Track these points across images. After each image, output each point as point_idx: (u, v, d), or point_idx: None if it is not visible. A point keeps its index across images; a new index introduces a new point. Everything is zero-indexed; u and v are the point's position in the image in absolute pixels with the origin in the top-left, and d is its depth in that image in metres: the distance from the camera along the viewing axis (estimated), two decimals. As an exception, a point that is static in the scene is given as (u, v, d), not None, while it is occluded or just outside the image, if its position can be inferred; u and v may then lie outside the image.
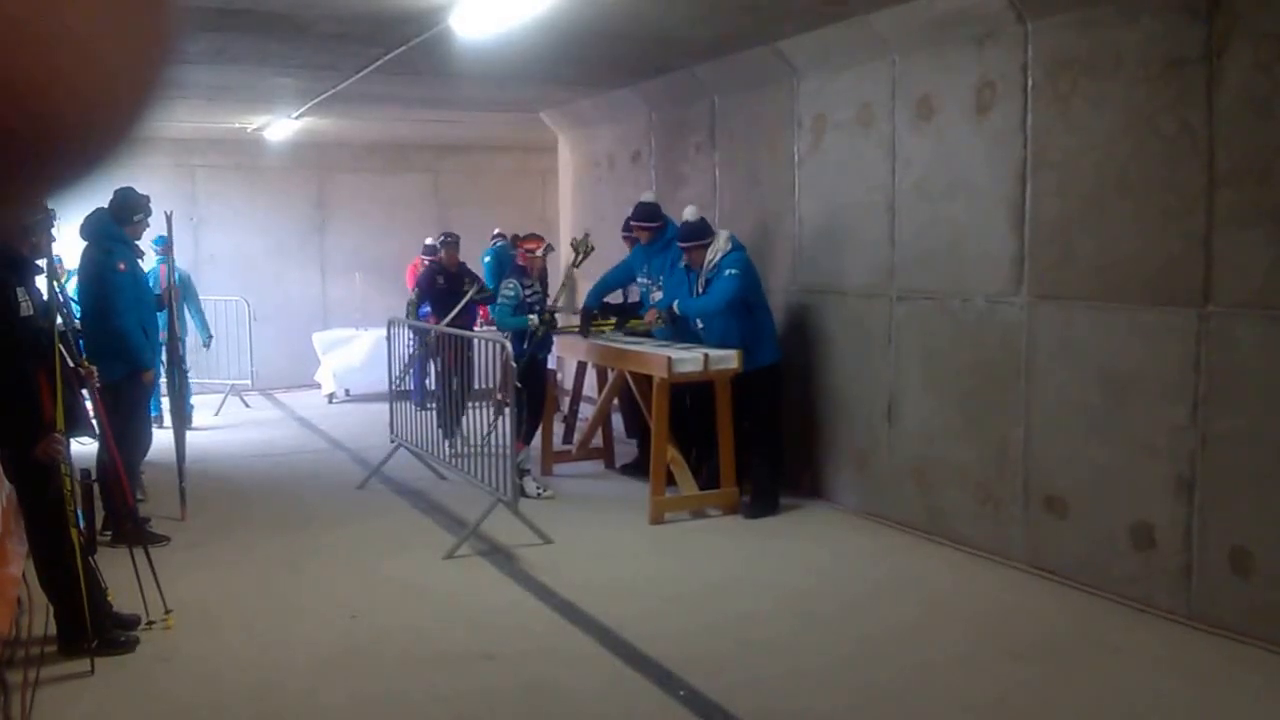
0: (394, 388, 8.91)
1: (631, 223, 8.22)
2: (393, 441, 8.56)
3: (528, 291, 8.01)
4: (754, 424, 7.33)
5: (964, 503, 6.46)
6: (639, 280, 8.38)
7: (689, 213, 7.48)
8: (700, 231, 7.39)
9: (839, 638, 5.17)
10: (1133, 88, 5.27)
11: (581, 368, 9.27)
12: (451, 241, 9.94)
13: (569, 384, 9.95)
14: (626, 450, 9.01)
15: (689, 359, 7.10)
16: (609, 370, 8.67)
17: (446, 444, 8.32)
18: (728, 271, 7.21)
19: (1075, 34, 5.57)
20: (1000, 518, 6.21)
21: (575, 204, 11.74)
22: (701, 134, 9.09)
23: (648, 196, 8.32)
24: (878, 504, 7.17)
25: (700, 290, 7.45)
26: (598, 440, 8.98)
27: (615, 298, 8.79)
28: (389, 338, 8.89)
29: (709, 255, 7.36)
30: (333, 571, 6.24)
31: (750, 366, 7.17)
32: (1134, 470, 5.38)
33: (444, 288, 9.74)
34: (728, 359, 7.13)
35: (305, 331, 13.10)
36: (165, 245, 9.00)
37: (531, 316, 7.83)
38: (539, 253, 8.19)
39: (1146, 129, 5.21)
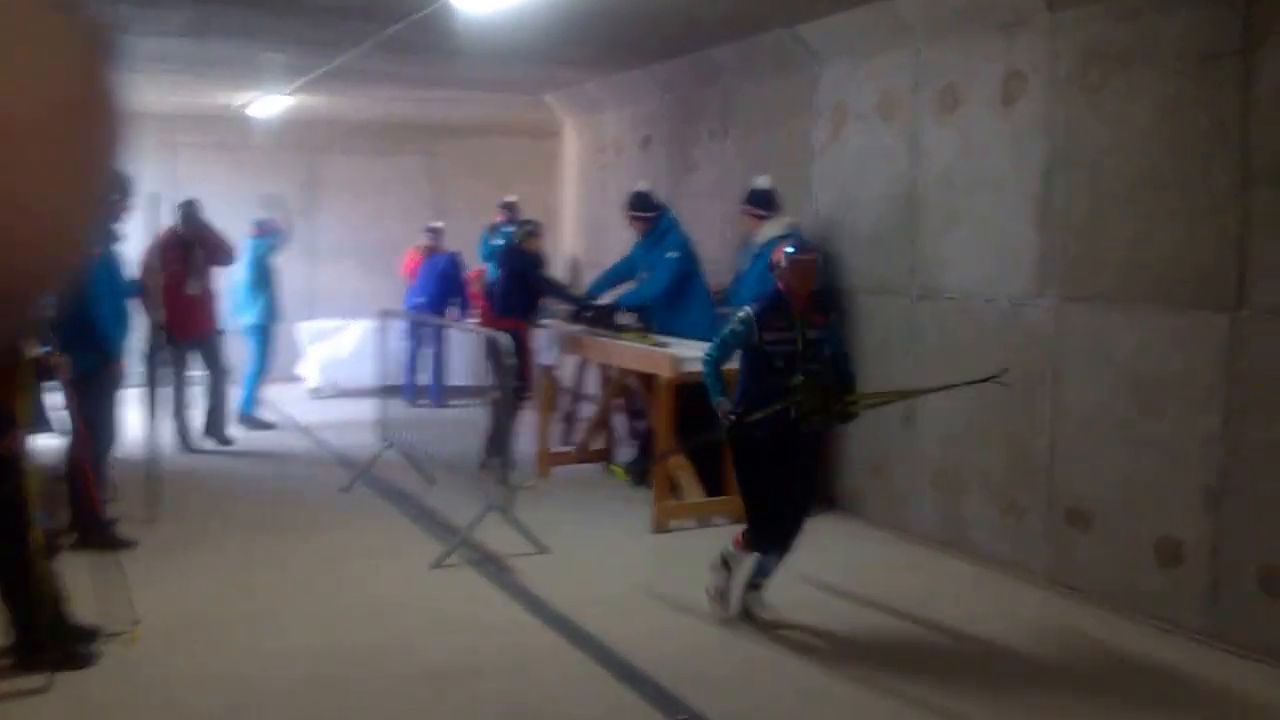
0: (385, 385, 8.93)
1: (627, 212, 8.27)
2: (381, 441, 8.60)
3: None
4: None
5: (985, 514, 6.50)
6: (639, 276, 8.36)
7: (761, 181, 7.61)
8: (761, 200, 7.49)
9: (850, 657, 5.22)
10: (1166, 80, 5.31)
11: (582, 366, 9.30)
12: (533, 229, 9.12)
13: (568, 382, 9.98)
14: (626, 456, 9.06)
15: (696, 358, 7.10)
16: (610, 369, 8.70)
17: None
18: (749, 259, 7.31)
19: (1107, 24, 5.60)
20: (1022, 530, 6.25)
21: (580, 191, 11.79)
22: (715, 120, 9.13)
23: (642, 185, 8.38)
24: (894, 515, 7.21)
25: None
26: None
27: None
28: (382, 330, 8.92)
29: (757, 235, 7.42)
30: (313, 580, 6.28)
31: None
32: (1161, 482, 5.42)
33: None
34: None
35: (290, 321, 13.11)
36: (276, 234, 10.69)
37: None
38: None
39: (1180, 124, 5.25)
